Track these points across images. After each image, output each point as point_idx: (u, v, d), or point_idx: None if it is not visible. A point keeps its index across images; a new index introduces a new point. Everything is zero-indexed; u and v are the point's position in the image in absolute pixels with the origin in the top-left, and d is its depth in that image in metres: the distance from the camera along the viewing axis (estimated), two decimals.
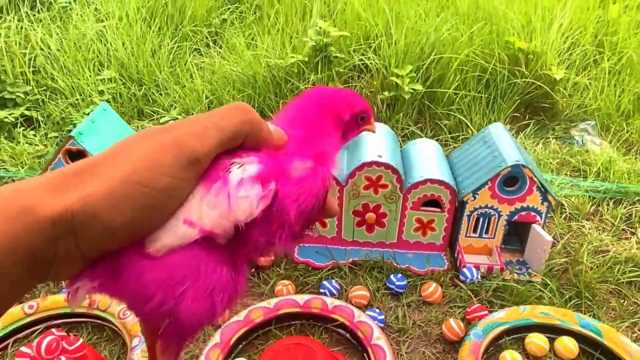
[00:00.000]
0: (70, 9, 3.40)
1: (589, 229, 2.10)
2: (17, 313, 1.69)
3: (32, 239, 0.33)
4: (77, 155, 1.90)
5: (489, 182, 1.84)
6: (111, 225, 0.35)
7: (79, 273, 0.38)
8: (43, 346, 1.44)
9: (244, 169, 0.40)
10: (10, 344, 1.66)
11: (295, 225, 0.42)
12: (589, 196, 2.26)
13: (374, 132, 0.56)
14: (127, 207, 0.35)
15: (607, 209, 2.21)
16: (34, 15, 3.35)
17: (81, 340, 1.51)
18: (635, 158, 2.52)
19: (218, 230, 0.39)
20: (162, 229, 0.38)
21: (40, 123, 2.79)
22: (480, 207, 1.90)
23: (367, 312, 1.70)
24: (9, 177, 2.37)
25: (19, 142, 2.60)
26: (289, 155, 0.43)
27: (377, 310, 1.72)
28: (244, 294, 0.43)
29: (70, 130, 2.72)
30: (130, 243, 0.38)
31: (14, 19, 3.27)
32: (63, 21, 3.30)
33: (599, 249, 1.99)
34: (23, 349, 1.47)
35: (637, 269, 1.89)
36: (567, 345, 1.60)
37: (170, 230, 0.38)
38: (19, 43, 3.09)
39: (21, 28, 3.18)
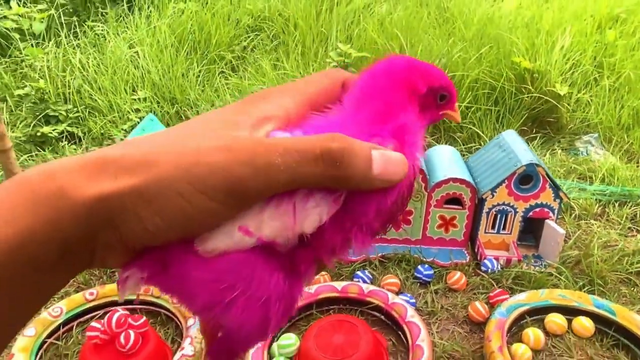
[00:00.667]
0: (105, 36, 3.66)
1: (598, 227, 2.27)
2: (79, 299, 1.85)
3: (65, 226, 0.30)
4: None
5: (505, 181, 2.03)
6: (149, 226, 0.31)
7: (128, 262, 0.34)
8: (113, 321, 1.60)
9: None
10: (75, 327, 1.81)
11: (373, 224, 0.36)
12: (596, 199, 2.45)
13: (457, 121, 0.46)
14: (165, 213, 0.31)
15: (613, 210, 2.39)
16: (73, 41, 3.61)
17: (144, 318, 1.67)
18: (637, 166, 2.72)
19: (280, 240, 0.34)
20: (216, 233, 0.34)
21: (82, 138, 2.99)
22: (498, 204, 2.08)
23: (400, 297, 1.86)
24: None
25: (63, 154, 2.80)
26: (362, 136, 0.36)
27: (409, 295, 1.88)
28: (298, 303, 0.38)
29: (109, 145, 2.93)
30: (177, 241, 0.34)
31: (54, 45, 3.53)
32: (99, 47, 3.56)
33: (608, 243, 2.16)
34: (93, 324, 1.64)
35: None
36: (584, 324, 1.76)
37: (224, 233, 0.34)
38: (60, 66, 3.33)
39: (62, 54, 3.42)
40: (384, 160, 0.34)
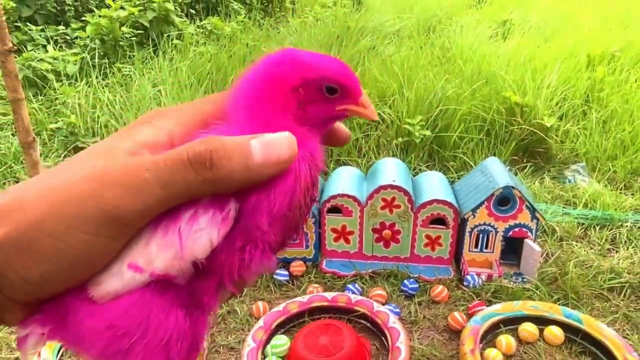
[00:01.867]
0: (132, 76, 4.02)
1: (578, 248, 2.43)
2: None
3: None
4: None
5: (485, 202, 2.22)
6: (27, 276, 0.29)
7: (26, 318, 0.32)
8: None
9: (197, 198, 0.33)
10: None
11: (270, 235, 0.34)
12: (578, 222, 2.60)
13: (369, 117, 0.41)
14: (41, 259, 0.29)
15: (594, 232, 2.54)
16: (102, 81, 3.97)
17: None
18: (620, 192, 2.87)
19: (173, 272, 0.33)
20: (105, 272, 0.32)
21: None
22: (480, 225, 2.26)
23: (385, 306, 2.04)
24: None
25: None
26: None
27: (394, 305, 2.06)
28: (205, 340, 0.38)
29: None
30: (69, 289, 0.32)
31: (85, 84, 3.90)
32: (126, 86, 3.91)
33: (585, 262, 2.31)
34: None
35: (617, 277, 2.20)
36: (554, 332, 1.91)
37: (115, 275, 0.32)
38: (90, 103, 3.68)
39: (92, 93, 3.78)
40: (265, 145, 0.33)
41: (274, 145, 0.33)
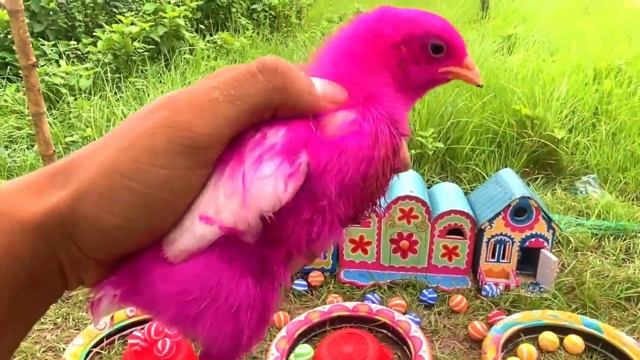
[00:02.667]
0: (145, 90, 4.08)
1: (593, 258, 2.45)
2: (121, 315, 2.10)
3: (19, 249, 0.28)
4: None
5: (502, 213, 2.25)
6: (102, 227, 0.29)
7: (102, 279, 0.32)
8: (152, 329, 1.84)
9: (263, 139, 0.32)
10: (117, 339, 2.05)
11: (340, 207, 0.32)
12: (592, 232, 2.63)
13: (474, 82, 0.37)
14: (115, 206, 0.29)
15: (608, 243, 2.57)
16: (116, 94, 4.03)
17: None
18: (632, 203, 2.90)
19: (241, 226, 0.31)
20: (179, 227, 0.31)
21: None
22: (496, 235, 2.29)
23: (406, 316, 2.06)
24: None
25: None
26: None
27: (414, 314, 2.08)
28: (276, 310, 0.34)
29: None
30: (145, 246, 0.32)
31: (99, 98, 3.95)
32: (139, 99, 3.96)
33: (602, 272, 2.33)
34: (135, 333, 1.88)
35: (634, 287, 2.22)
36: (574, 341, 1.92)
37: (187, 230, 0.31)
38: (104, 117, 3.72)
39: (106, 106, 3.83)
40: (322, 83, 0.34)
41: (329, 86, 0.34)
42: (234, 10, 6.48)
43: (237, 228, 0.31)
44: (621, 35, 5.74)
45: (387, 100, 0.35)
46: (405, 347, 1.92)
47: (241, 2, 6.67)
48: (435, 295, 2.19)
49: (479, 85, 0.38)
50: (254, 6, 7.13)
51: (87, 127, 3.61)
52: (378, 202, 0.36)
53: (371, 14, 0.36)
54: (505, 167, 3.14)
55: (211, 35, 5.64)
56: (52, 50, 5.13)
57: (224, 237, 0.32)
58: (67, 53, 5.13)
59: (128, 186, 0.29)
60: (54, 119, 3.93)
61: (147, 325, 1.86)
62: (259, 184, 0.31)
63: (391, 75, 0.35)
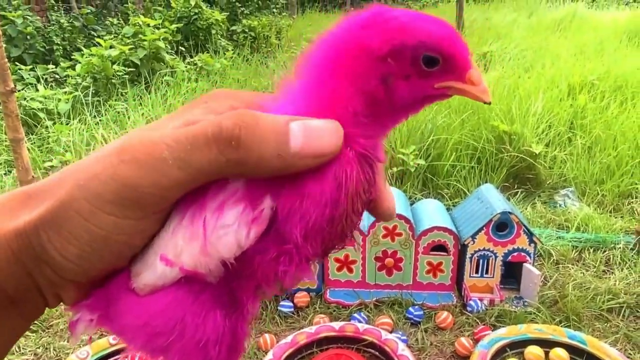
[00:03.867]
0: (125, 113, 4.06)
1: (574, 270, 2.49)
2: (103, 344, 2.05)
3: None
4: None
5: (484, 228, 2.27)
6: (65, 255, 0.29)
7: (80, 301, 0.32)
8: (137, 357, 1.81)
9: (225, 183, 0.30)
10: None
11: (307, 249, 0.30)
12: (573, 245, 2.67)
13: (480, 99, 0.32)
14: (73, 239, 0.29)
15: (589, 255, 2.61)
16: (96, 118, 4.00)
17: None
18: (610, 215, 2.96)
19: (202, 270, 0.30)
20: (143, 262, 0.31)
21: None
22: (480, 250, 2.31)
23: (393, 334, 2.05)
24: None
25: None
26: None
27: (401, 332, 2.08)
28: (247, 341, 0.34)
29: None
30: (112, 272, 0.31)
31: (78, 122, 3.92)
32: (120, 122, 3.94)
33: (583, 284, 2.37)
34: None
35: (615, 298, 2.26)
36: (559, 354, 1.94)
37: (150, 266, 0.30)
38: (84, 140, 3.69)
39: (86, 130, 3.80)
40: (306, 131, 0.28)
41: (317, 133, 0.28)
42: (213, 31, 6.52)
43: (199, 271, 0.30)
44: (593, 51, 5.91)
45: (362, 128, 0.31)
46: None
47: (221, 24, 6.72)
48: (421, 312, 2.20)
49: (486, 103, 0.32)
50: (233, 27, 7.19)
51: (66, 151, 3.57)
52: (350, 235, 0.33)
53: (360, 17, 0.31)
54: (486, 182, 3.18)
55: (191, 56, 5.66)
56: (29, 74, 5.08)
57: (185, 277, 0.31)
58: (45, 77, 5.09)
59: (83, 223, 0.28)
60: (32, 144, 3.88)
61: (130, 354, 1.83)
62: (220, 233, 0.29)
63: (372, 95, 0.30)
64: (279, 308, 2.25)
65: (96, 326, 0.33)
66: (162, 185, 0.28)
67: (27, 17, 6.10)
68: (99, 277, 0.31)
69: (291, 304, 2.28)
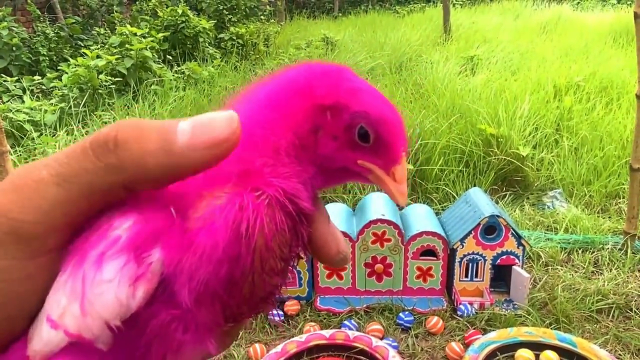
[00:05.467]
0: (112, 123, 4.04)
1: (563, 272, 2.50)
2: None
3: None
4: None
5: (472, 232, 2.27)
6: None
7: None
8: None
9: (107, 230, 0.25)
10: None
11: (202, 314, 0.26)
12: (561, 247, 2.68)
13: (395, 198, 0.30)
14: None
15: (577, 256, 2.62)
16: (82, 129, 3.97)
17: None
18: (598, 216, 2.98)
19: (86, 335, 0.25)
20: (35, 325, 0.26)
21: None
22: (469, 254, 2.31)
23: (383, 341, 2.04)
24: None
25: None
26: (206, 179, 0.27)
27: (391, 339, 2.07)
28: None
29: None
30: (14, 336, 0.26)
31: (65, 133, 3.88)
32: None
33: (572, 286, 2.37)
34: None
35: (604, 299, 2.27)
36: (550, 357, 1.94)
37: (37, 329, 0.26)
38: None
39: (71, 142, 3.77)
40: (195, 122, 0.26)
41: (207, 122, 0.25)
42: (201, 40, 6.51)
43: (83, 336, 0.25)
44: (578, 53, 5.97)
45: (284, 172, 0.27)
46: None
47: (208, 31, 6.71)
48: (411, 317, 2.19)
49: (399, 205, 0.30)
50: (221, 35, 7.18)
51: None
52: (270, 299, 0.28)
53: (323, 67, 0.31)
54: (474, 185, 3.19)
55: (179, 65, 5.65)
56: (15, 86, 5.04)
57: (72, 343, 0.25)
58: (31, 88, 5.05)
59: None
60: (18, 156, 3.84)
61: None
62: (98, 290, 0.25)
63: (300, 138, 0.28)
64: (269, 317, 2.23)
65: None
66: (42, 209, 0.24)
67: (13, 28, 6.06)
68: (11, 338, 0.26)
69: (281, 313, 2.26)
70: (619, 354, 2.00)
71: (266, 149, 0.28)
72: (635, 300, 2.28)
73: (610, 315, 2.21)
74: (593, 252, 2.64)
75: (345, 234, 2.29)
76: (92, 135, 0.25)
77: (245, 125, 0.26)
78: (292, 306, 2.30)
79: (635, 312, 2.21)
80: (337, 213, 2.48)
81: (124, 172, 0.25)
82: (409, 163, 3.15)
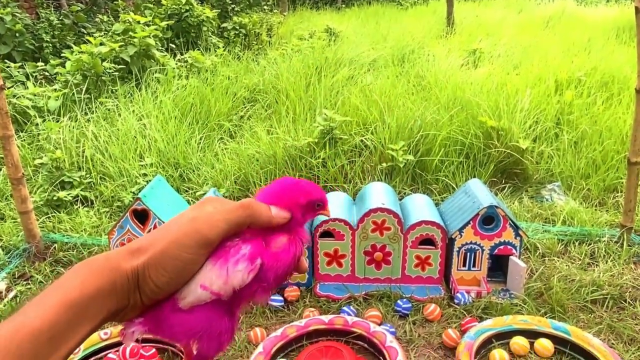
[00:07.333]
0: (116, 110, 4.06)
1: (560, 263, 2.53)
2: (95, 338, 2.07)
3: (119, 286, 0.50)
4: (141, 213, 2.38)
5: (471, 222, 2.31)
6: (157, 282, 0.52)
7: (132, 319, 0.55)
8: (127, 351, 1.83)
9: (239, 250, 0.57)
10: None
11: (272, 285, 0.59)
12: (558, 238, 2.72)
13: (328, 216, 0.74)
14: (166, 271, 0.52)
15: (574, 248, 2.66)
16: (86, 115, 3.99)
17: (154, 349, 1.89)
18: (595, 208, 3.01)
19: (222, 293, 0.56)
20: (188, 290, 0.54)
21: (94, 201, 3.29)
22: (467, 244, 2.34)
23: (381, 327, 2.08)
24: (72, 242, 2.82)
25: (77, 216, 3.09)
26: (273, 232, 0.61)
27: (389, 325, 2.11)
28: (236, 328, 0.61)
29: (119, 207, 3.22)
30: (168, 297, 0.55)
31: (68, 119, 3.91)
32: (110, 120, 3.94)
33: (568, 276, 2.41)
34: (110, 355, 1.86)
35: (599, 290, 2.30)
36: (544, 344, 1.98)
37: (193, 292, 0.55)
38: (74, 138, 3.68)
39: (76, 127, 3.79)
40: (277, 211, 0.61)
41: (279, 213, 0.61)
42: (204, 29, 6.51)
43: (221, 294, 0.56)
44: (580, 48, 5.98)
45: (299, 228, 0.63)
46: (381, 357, 1.94)
47: (211, 21, 6.71)
48: (409, 305, 2.23)
49: (327, 217, 0.62)
50: (224, 24, 7.18)
51: (56, 148, 3.57)
52: (288, 279, 0.62)
53: (287, 183, 0.64)
54: (474, 177, 3.22)
55: (182, 54, 5.65)
56: (19, 72, 5.06)
57: (212, 297, 0.56)
58: (34, 74, 5.07)
59: (172, 261, 0.53)
60: (22, 141, 3.87)
61: (121, 347, 1.85)
62: (235, 274, 0.56)
63: (300, 216, 0.63)
64: (269, 302, 2.27)
65: (146, 334, 0.56)
66: (217, 233, 0.55)
67: (16, 14, 6.06)
68: (164, 298, 0.55)
69: (281, 298, 2.30)
70: (612, 343, 2.04)
71: (299, 223, 0.63)
72: (630, 292, 2.32)
73: (605, 306, 2.24)
74: (590, 244, 2.67)
75: (345, 222, 2.32)
76: (241, 202, 0.57)
77: (284, 207, 0.62)
78: (292, 292, 2.34)
79: (629, 302, 2.25)
80: (338, 202, 2.52)
81: (253, 219, 0.57)
82: (409, 154, 3.18)
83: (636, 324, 2.13)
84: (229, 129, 4.01)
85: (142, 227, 2.37)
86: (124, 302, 0.52)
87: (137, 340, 0.57)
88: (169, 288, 0.54)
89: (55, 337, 0.46)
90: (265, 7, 9.07)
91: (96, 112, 4.06)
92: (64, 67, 4.83)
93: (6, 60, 5.40)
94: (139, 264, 0.52)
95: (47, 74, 5.22)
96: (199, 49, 5.94)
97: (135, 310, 0.54)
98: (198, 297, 0.55)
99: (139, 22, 5.30)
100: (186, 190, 3.38)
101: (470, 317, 2.16)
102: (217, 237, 0.55)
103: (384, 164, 3.18)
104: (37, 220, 2.88)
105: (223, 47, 6.30)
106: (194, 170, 3.51)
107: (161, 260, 0.52)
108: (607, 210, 3.03)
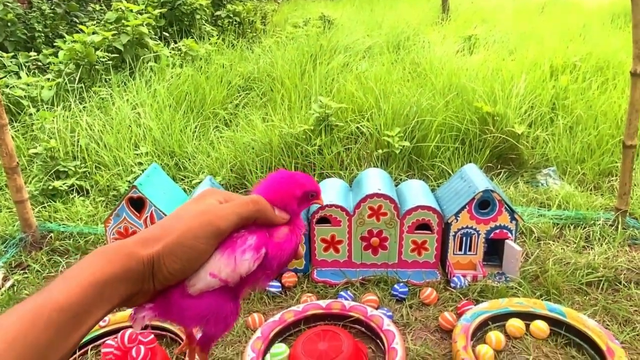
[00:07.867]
0: (110, 99, 4.03)
1: (555, 247, 2.55)
2: None
3: (134, 273, 0.54)
4: (137, 201, 2.38)
5: (467, 206, 2.32)
6: (171, 269, 0.56)
7: (142, 304, 0.59)
8: (126, 337, 1.83)
9: (245, 240, 0.62)
10: (89, 349, 2.02)
11: (275, 272, 0.66)
12: (554, 222, 2.73)
13: (322, 205, 0.85)
14: (179, 259, 0.56)
15: (569, 232, 2.67)
16: (80, 105, 3.97)
17: (152, 335, 1.90)
18: (590, 192, 3.03)
19: (230, 280, 0.62)
20: (197, 277, 0.59)
21: (89, 191, 3.28)
22: (463, 228, 2.36)
23: (378, 310, 2.10)
24: (68, 231, 2.82)
25: (73, 205, 3.08)
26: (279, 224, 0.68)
27: (386, 309, 2.12)
28: (239, 314, 0.68)
29: (115, 196, 3.21)
30: (179, 283, 0.59)
31: (62, 109, 3.88)
32: (104, 109, 3.92)
33: (563, 260, 2.43)
34: (108, 341, 1.86)
35: (594, 272, 2.32)
36: (540, 326, 2.00)
37: (202, 279, 0.60)
38: (68, 127, 3.66)
39: (70, 117, 3.77)
40: (278, 211, 0.67)
41: (282, 212, 0.67)
42: (198, 17, 6.46)
43: (228, 281, 0.62)
44: (575, 33, 5.96)
45: (297, 218, 0.69)
46: (378, 340, 1.96)
47: (205, 9, 6.65)
48: (406, 289, 2.25)
49: (321, 205, 0.72)
50: (218, 12, 7.12)
51: (50, 138, 3.55)
52: (287, 265, 0.74)
53: (283, 176, 0.70)
54: (469, 163, 3.23)
55: (175, 42, 5.61)
56: (11, 62, 5.01)
57: (221, 285, 0.62)
58: (27, 64, 5.02)
59: (186, 251, 0.57)
60: (16, 131, 3.84)
61: (119, 334, 1.85)
62: (242, 263, 0.62)
63: (297, 206, 0.69)
64: (267, 288, 2.28)
65: (156, 319, 0.61)
66: (228, 224, 0.60)
67: (8, 3, 5.98)
68: (172, 284, 0.59)
69: (279, 284, 2.31)
70: (607, 324, 2.07)
71: (295, 214, 0.69)
72: (624, 274, 2.34)
73: (600, 288, 2.26)
74: (585, 227, 2.69)
75: (342, 208, 2.33)
76: (250, 197, 0.64)
77: (282, 204, 0.68)
78: (289, 278, 2.34)
79: (623, 284, 2.27)
80: (334, 188, 2.52)
81: (260, 214, 0.64)
82: (404, 140, 3.18)
83: (631, 306, 2.15)
84: (224, 117, 4.00)
85: (138, 215, 2.37)
86: (136, 288, 0.55)
87: (145, 327, 0.60)
88: (181, 275, 0.58)
89: (79, 314, 0.48)
90: None
91: (90, 101, 4.03)
92: (57, 56, 4.78)
93: None
94: (154, 251, 0.56)
95: (40, 63, 5.17)
96: (192, 38, 5.90)
97: (145, 296, 0.58)
98: (207, 284, 0.60)
99: (131, 11, 5.24)
100: (182, 179, 3.37)
101: (467, 300, 2.18)
102: (229, 229, 0.60)
103: (380, 151, 3.18)
104: (33, 209, 2.87)
105: (217, 35, 6.25)
106: (189, 159, 3.50)
107: (176, 249, 0.56)
108: (602, 194, 3.04)
